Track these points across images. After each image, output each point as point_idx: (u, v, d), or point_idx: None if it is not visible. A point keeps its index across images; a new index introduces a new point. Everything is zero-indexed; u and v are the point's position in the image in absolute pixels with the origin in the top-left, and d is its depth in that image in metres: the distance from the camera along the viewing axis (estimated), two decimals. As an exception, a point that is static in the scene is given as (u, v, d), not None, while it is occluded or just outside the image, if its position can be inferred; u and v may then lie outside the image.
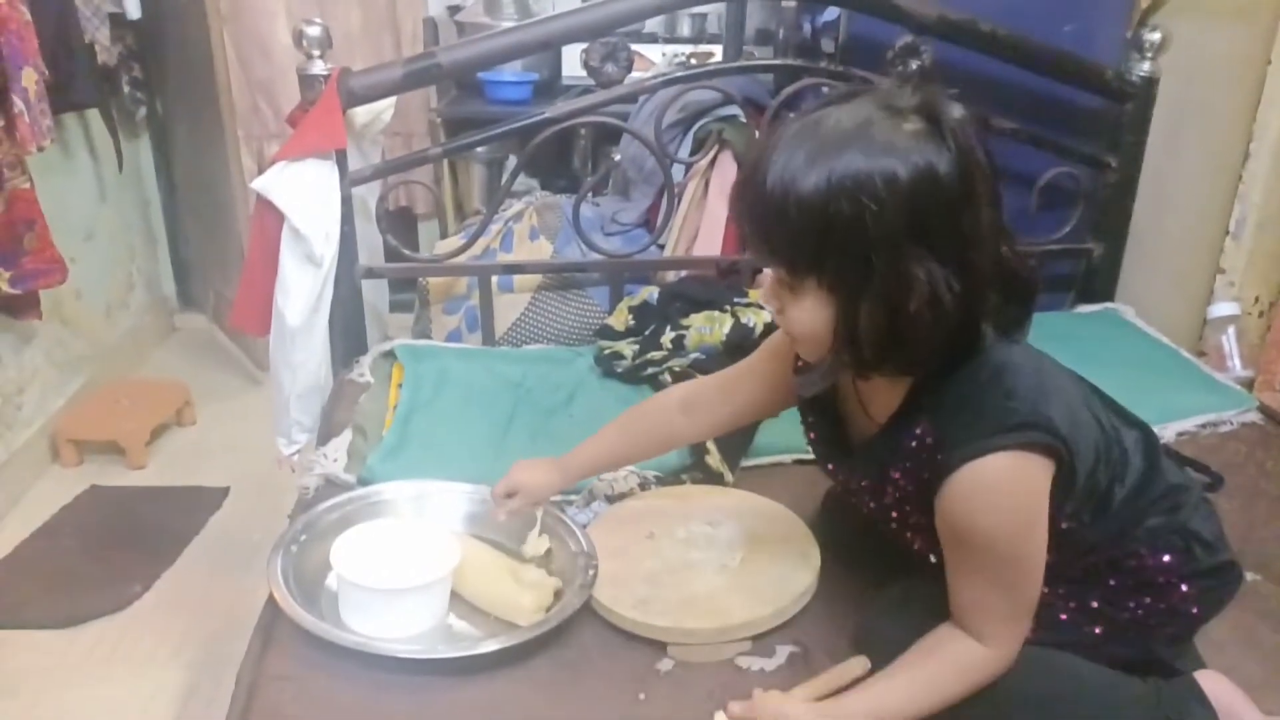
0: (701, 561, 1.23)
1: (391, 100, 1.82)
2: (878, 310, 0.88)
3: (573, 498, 1.38)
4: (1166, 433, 1.57)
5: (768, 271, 0.96)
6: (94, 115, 2.70)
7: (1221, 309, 1.94)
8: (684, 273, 2.05)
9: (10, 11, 2.03)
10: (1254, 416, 1.67)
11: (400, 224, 3.14)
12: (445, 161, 2.87)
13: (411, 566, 1.16)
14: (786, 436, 1.35)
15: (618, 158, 2.12)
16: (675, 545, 1.27)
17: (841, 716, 0.98)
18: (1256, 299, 1.94)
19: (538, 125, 1.83)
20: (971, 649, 0.97)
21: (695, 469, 1.46)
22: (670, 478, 1.45)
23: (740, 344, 1.71)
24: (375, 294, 2.01)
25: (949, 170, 0.86)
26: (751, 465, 1.50)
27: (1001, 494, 0.92)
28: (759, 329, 1.72)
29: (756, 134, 1.96)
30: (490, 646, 1.10)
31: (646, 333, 1.82)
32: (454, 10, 3.08)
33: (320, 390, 1.76)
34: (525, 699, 1.07)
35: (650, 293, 1.95)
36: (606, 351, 1.80)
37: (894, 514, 1.06)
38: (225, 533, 2.25)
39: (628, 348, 1.78)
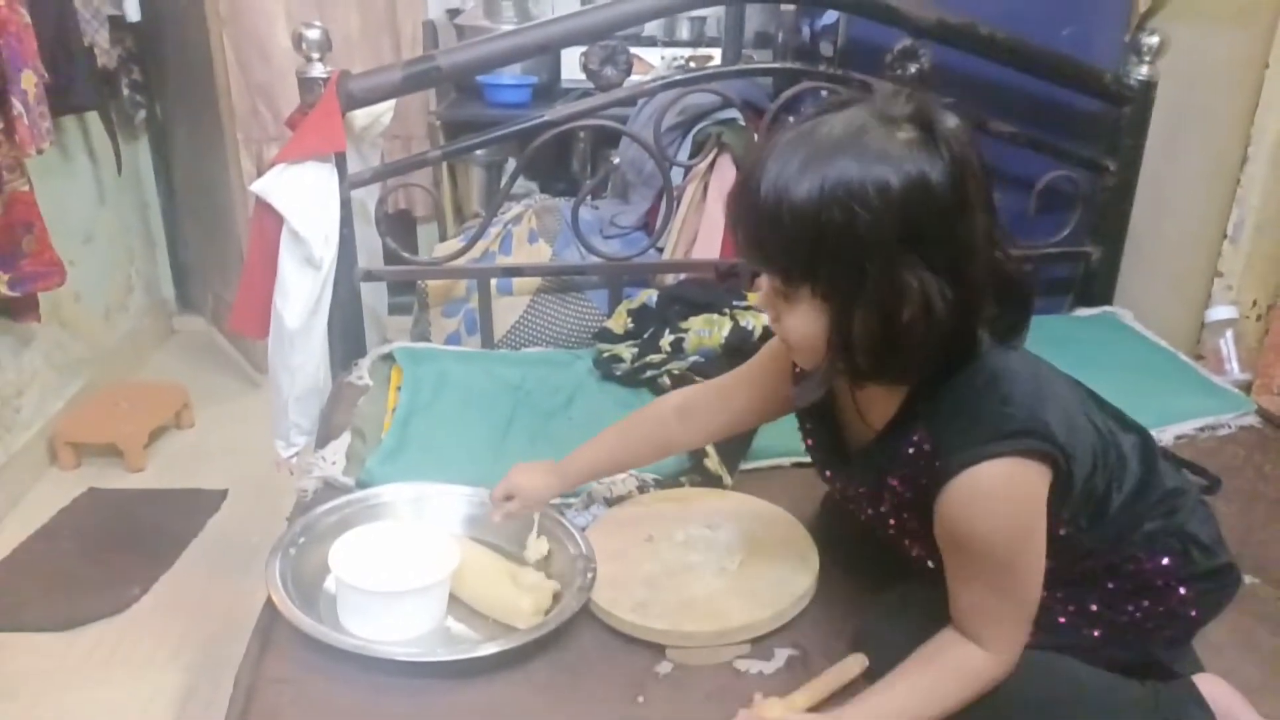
0: (700, 564, 1.23)
1: (391, 103, 1.82)
2: (871, 318, 0.89)
3: (572, 501, 1.38)
4: (1165, 436, 1.58)
5: (764, 278, 0.96)
6: (93, 118, 2.70)
7: (1219, 312, 1.94)
8: (683, 276, 2.05)
9: (10, 14, 2.03)
10: (1252, 420, 1.67)
11: (399, 227, 3.14)
12: (444, 164, 2.88)
13: (410, 569, 1.16)
14: (785, 439, 1.34)
15: (617, 161, 2.13)
16: (674, 548, 1.27)
17: None
18: (1254, 302, 1.95)
19: (537, 128, 1.83)
20: (972, 655, 0.97)
21: (694, 472, 1.46)
22: (669, 480, 1.45)
23: (739, 347, 1.71)
24: (374, 297, 2.01)
25: (942, 179, 0.86)
26: (750, 468, 1.50)
27: (999, 500, 0.92)
28: (758, 332, 1.72)
29: (755, 137, 1.96)
30: (489, 649, 1.09)
31: (645, 336, 1.82)
32: (453, 13, 3.09)
33: (319, 393, 1.76)
34: (524, 701, 1.07)
35: (649, 296, 1.95)
36: (605, 354, 1.80)
37: (891, 521, 1.06)
38: (224, 535, 2.25)
39: (626, 350, 1.78)
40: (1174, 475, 1.08)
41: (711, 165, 2.11)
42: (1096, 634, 1.04)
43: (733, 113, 2.06)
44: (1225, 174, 1.95)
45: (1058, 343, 1.44)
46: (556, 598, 1.18)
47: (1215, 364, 1.94)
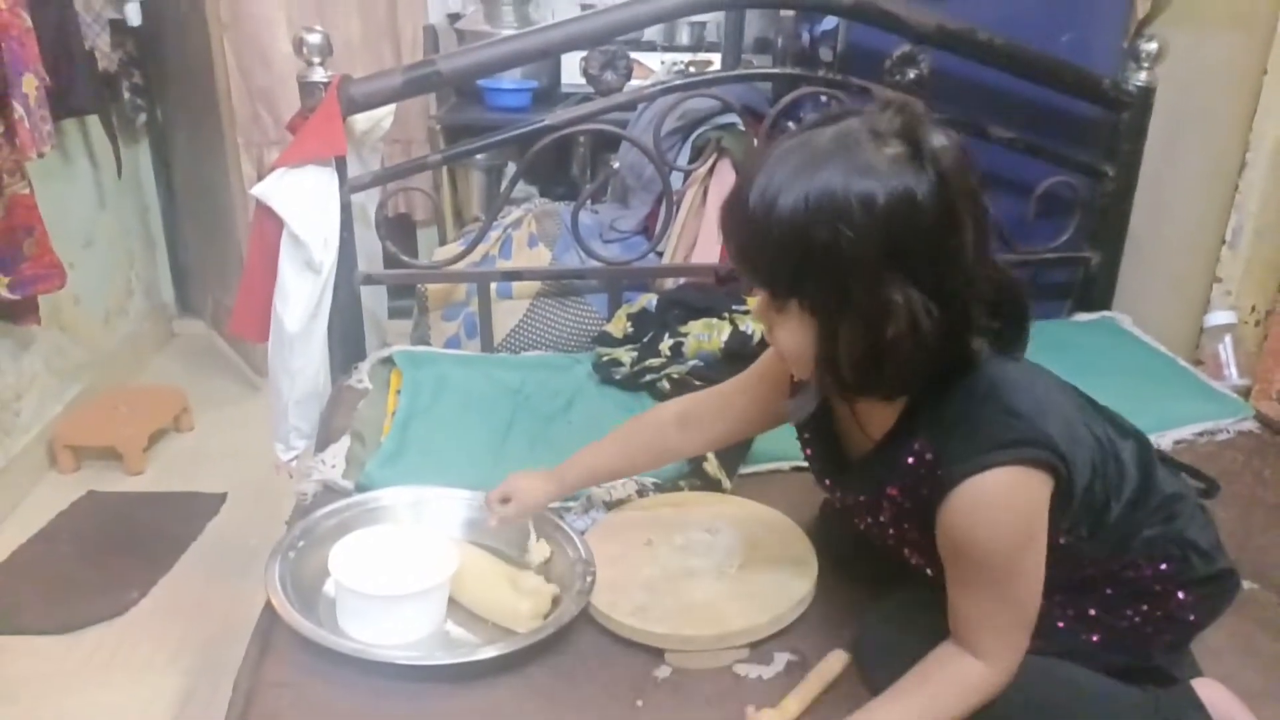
0: (699, 569, 1.23)
1: (391, 107, 1.82)
2: (856, 334, 0.89)
3: (571, 504, 1.38)
4: (1163, 441, 1.58)
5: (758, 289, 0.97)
6: (94, 121, 2.71)
7: (1218, 317, 1.94)
8: (682, 280, 2.05)
9: (11, 18, 2.03)
10: (1251, 425, 1.67)
11: (399, 231, 3.15)
12: (444, 168, 2.88)
13: (409, 573, 1.16)
14: (784, 444, 1.34)
15: (616, 165, 2.13)
16: (673, 552, 1.27)
17: None
18: (1253, 308, 1.95)
19: (537, 133, 1.83)
20: (971, 668, 0.97)
21: (693, 476, 1.46)
22: (668, 485, 1.45)
23: (739, 351, 1.71)
24: (374, 300, 2.02)
25: (928, 196, 0.86)
26: (749, 472, 1.50)
27: (1001, 509, 0.92)
28: (757, 336, 1.73)
29: (755, 142, 1.96)
30: (488, 653, 1.09)
31: (645, 340, 1.82)
32: (454, 18, 3.09)
33: (319, 396, 1.76)
34: (523, 705, 1.07)
35: (649, 300, 1.95)
36: (605, 358, 1.80)
37: (891, 530, 1.06)
38: (223, 539, 2.25)
39: (626, 355, 1.78)
40: (1172, 480, 1.08)
41: (711, 170, 2.11)
42: (1095, 639, 1.04)
43: (732, 118, 2.07)
44: (1224, 179, 1.95)
45: (1057, 348, 1.45)
46: (555, 601, 1.18)
47: (1214, 369, 1.94)
